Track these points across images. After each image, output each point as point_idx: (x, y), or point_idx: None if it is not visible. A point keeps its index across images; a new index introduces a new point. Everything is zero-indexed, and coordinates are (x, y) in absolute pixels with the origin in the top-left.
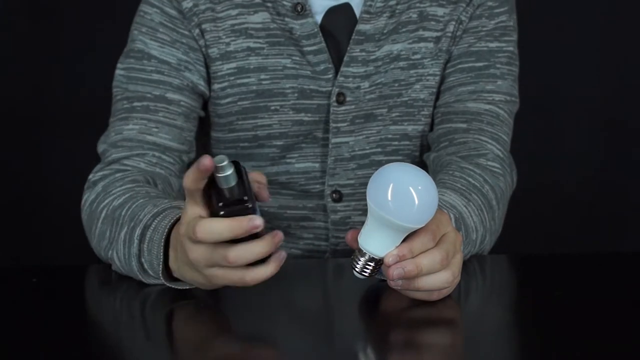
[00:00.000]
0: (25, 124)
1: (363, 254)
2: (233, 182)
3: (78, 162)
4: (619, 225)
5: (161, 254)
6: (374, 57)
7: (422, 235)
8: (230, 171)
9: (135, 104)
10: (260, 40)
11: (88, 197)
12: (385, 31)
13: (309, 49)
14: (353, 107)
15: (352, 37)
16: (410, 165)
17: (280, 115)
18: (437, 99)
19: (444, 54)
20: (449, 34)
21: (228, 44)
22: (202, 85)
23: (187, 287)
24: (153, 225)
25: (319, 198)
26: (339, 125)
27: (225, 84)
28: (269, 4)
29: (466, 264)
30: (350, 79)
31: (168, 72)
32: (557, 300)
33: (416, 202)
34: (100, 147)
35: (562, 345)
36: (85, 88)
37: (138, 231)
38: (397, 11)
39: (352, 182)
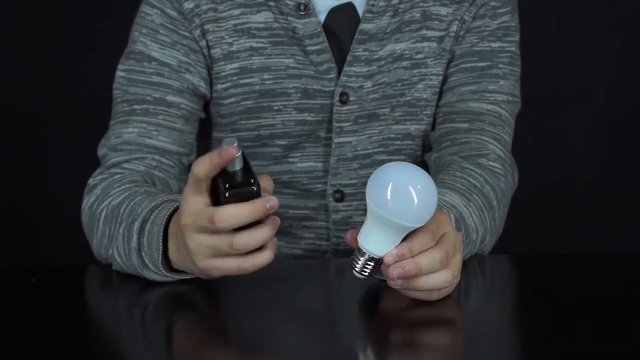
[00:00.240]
0: (25, 124)
1: (363, 254)
2: (239, 166)
3: (78, 162)
4: (619, 225)
5: (160, 245)
6: (376, 56)
7: (422, 234)
8: (239, 153)
9: (135, 106)
10: (263, 40)
11: (87, 201)
12: (388, 30)
13: (312, 48)
14: (356, 106)
15: (355, 36)
16: (409, 165)
17: (283, 115)
18: (439, 98)
19: (447, 54)
20: (452, 34)
21: (231, 44)
22: (202, 87)
23: (186, 277)
24: (151, 219)
25: (321, 198)
26: (342, 124)
27: (228, 84)
28: (272, 4)
29: (466, 264)
30: (353, 79)
31: (168, 75)
32: (557, 300)
33: (415, 201)
34: (101, 151)
35: (562, 345)
36: (85, 88)
37: (137, 225)
38: (400, 10)
39: (354, 181)
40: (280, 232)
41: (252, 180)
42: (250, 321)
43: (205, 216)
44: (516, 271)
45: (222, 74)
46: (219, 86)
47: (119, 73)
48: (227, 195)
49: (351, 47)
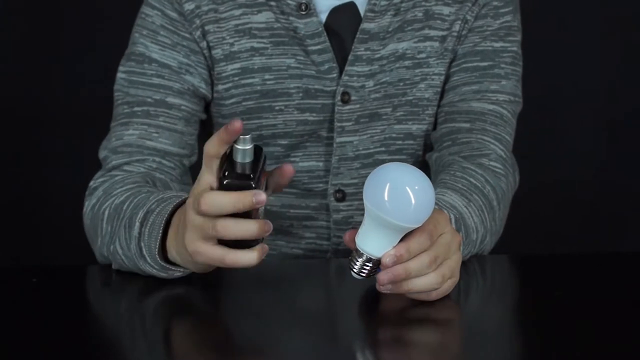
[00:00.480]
0: (25, 124)
1: (360, 255)
2: (248, 159)
3: (78, 162)
4: (620, 225)
5: (160, 233)
6: (378, 55)
7: (419, 234)
8: (248, 146)
9: (136, 108)
10: (264, 40)
11: (89, 203)
12: (390, 29)
13: (313, 48)
14: (358, 106)
15: (357, 35)
16: (406, 165)
17: (285, 115)
18: (441, 98)
19: (449, 53)
20: (455, 34)
21: (232, 44)
22: (203, 88)
23: (178, 275)
24: (157, 210)
25: (322, 197)
26: (343, 124)
27: (230, 84)
28: (273, 3)
29: (466, 264)
30: (355, 78)
31: (169, 76)
32: (557, 300)
33: (413, 201)
34: (102, 154)
35: (562, 345)
36: (85, 88)
37: (141, 214)
38: (402, 9)
39: (355, 181)
40: (281, 232)
41: (252, 176)
42: (250, 321)
43: (197, 197)
44: (516, 271)
45: (224, 74)
46: (220, 87)
47: (119, 75)
48: (223, 182)
49: (353, 47)
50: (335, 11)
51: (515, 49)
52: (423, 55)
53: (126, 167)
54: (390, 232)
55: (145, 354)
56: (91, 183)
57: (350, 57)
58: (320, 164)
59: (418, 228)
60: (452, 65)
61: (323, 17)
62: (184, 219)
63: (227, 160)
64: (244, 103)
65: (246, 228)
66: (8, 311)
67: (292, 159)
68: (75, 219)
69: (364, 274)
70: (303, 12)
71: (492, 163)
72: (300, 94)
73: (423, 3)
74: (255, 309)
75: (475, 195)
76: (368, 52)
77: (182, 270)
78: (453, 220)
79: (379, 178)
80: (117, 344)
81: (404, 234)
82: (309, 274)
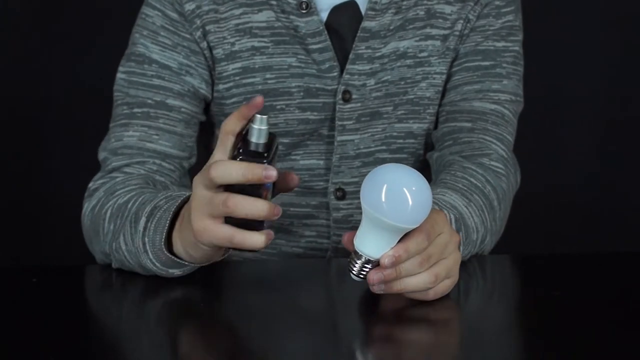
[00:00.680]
0: (25, 124)
1: (359, 257)
2: (262, 140)
3: (78, 162)
4: (620, 225)
5: (167, 226)
6: (379, 54)
7: (417, 235)
8: (264, 127)
9: (136, 110)
10: (265, 39)
11: (88, 205)
12: (391, 27)
13: (314, 47)
14: (359, 104)
15: (358, 34)
16: (403, 166)
17: (286, 115)
18: (442, 97)
19: (451, 53)
20: (457, 33)
21: (233, 44)
22: (203, 89)
23: (177, 274)
24: (165, 207)
25: (322, 195)
26: (344, 123)
27: (231, 84)
28: (274, 2)
29: (466, 264)
30: (356, 77)
31: (169, 78)
32: (557, 300)
33: (410, 202)
34: (101, 155)
35: (563, 345)
36: (85, 88)
37: (148, 209)
38: (403, 7)
39: (356, 180)
40: (281, 230)
41: (266, 155)
42: (250, 321)
43: (207, 167)
44: (516, 271)
45: (225, 74)
46: (221, 86)
47: (119, 75)
48: (236, 159)
49: (354, 45)
50: (336, 10)
51: (517, 48)
52: (425, 54)
53: (126, 169)
54: (388, 233)
55: (145, 354)
56: (90, 184)
57: (351, 56)
58: (321, 162)
59: (416, 228)
60: (453, 64)
61: (324, 15)
62: (188, 205)
63: (242, 139)
64: (245, 102)
65: (257, 206)
66: (8, 311)
67: (293, 157)
68: (75, 219)
69: (362, 276)
70: (304, 11)
71: (493, 163)
72: (301, 93)
73: (425, 1)
74: (255, 309)
75: (476, 196)
76: (369, 51)
77: (182, 268)
78: (453, 221)
79: (375, 180)
80: (117, 344)
81: (402, 234)
82: (310, 274)
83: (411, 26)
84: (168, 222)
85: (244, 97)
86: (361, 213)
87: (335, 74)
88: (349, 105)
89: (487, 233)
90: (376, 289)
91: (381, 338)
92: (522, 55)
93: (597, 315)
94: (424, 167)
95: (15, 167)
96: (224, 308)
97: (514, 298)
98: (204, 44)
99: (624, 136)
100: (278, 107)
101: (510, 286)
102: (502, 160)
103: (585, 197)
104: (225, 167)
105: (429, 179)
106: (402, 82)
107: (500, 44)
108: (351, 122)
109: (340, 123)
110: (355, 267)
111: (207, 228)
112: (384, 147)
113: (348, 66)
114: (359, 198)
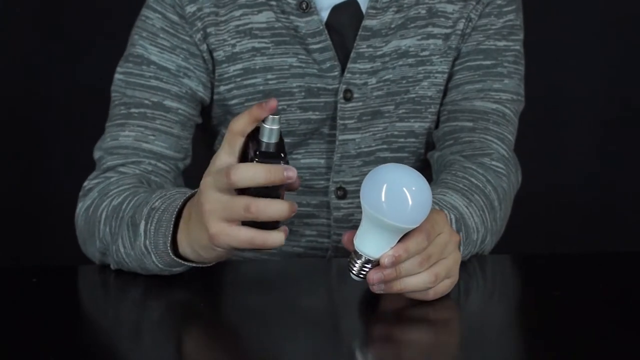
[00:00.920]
0: (25, 124)
1: (359, 257)
2: (274, 140)
3: (78, 162)
4: (620, 225)
5: (170, 228)
6: (381, 52)
7: (417, 235)
8: (277, 126)
9: (133, 110)
10: (266, 40)
11: (83, 205)
12: (392, 26)
13: (314, 46)
14: (360, 103)
15: (359, 33)
16: (403, 166)
17: (288, 115)
18: (443, 96)
19: (453, 52)
20: (459, 32)
21: (234, 45)
22: (201, 91)
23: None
24: (162, 207)
25: (323, 195)
26: (346, 122)
27: (232, 85)
28: (273, 3)
29: (466, 264)
30: (357, 75)
31: (167, 79)
32: (557, 300)
33: (410, 202)
34: (97, 154)
35: (562, 345)
36: (85, 88)
37: (145, 211)
38: (404, 6)
39: (356, 179)
40: None
41: (283, 155)
42: (250, 321)
43: (223, 171)
44: (517, 271)
45: (226, 75)
46: (222, 88)
47: (117, 75)
48: (254, 161)
49: (355, 44)
50: (336, 9)
51: (518, 47)
52: (426, 52)
53: (121, 169)
54: (388, 233)
55: (146, 354)
56: (85, 184)
57: (352, 55)
58: (322, 161)
59: (416, 228)
60: (455, 63)
61: (324, 15)
62: (196, 206)
63: (252, 139)
64: (246, 103)
65: (278, 208)
66: (8, 311)
67: (294, 156)
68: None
69: (362, 276)
70: (304, 11)
71: (494, 162)
72: (303, 93)
73: (426, 0)
74: (255, 309)
75: (476, 196)
76: (370, 49)
77: (183, 265)
78: (454, 221)
79: (375, 179)
80: (117, 344)
81: (402, 234)
82: (310, 274)
83: (413, 25)
84: (172, 224)
85: (246, 98)
86: (362, 212)
87: (336, 73)
88: (350, 104)
89: (488, 233)
90: (376, 289)
91: (381, 338)
92: (523, 55)
93: (597, 315)
94: (424, 167)
95: (15, 167)
96: (224, 308)
97: (514, 298)
98: (204, 47)
99: (623, 136)
100: (279, 107)
101: (511, 286)
102: (503, 160)
103: (585, 197)
104: (246, 170)
105: (429, 178)
106: (404, 81)
107: (501, 43)
108: (352, 121)
109: (341, 122)
110: (355, 266)
111: (224, 232)
112: (385, 146)
113: (349, 65)
114: (359, 197)
